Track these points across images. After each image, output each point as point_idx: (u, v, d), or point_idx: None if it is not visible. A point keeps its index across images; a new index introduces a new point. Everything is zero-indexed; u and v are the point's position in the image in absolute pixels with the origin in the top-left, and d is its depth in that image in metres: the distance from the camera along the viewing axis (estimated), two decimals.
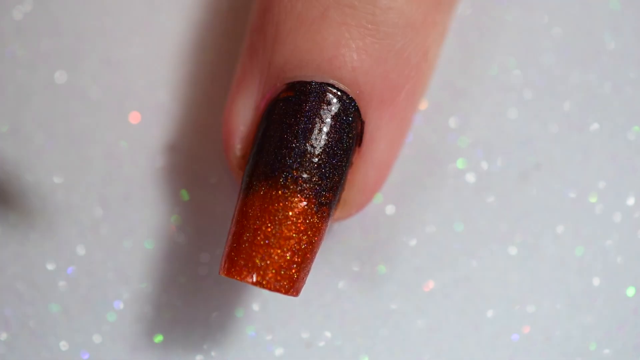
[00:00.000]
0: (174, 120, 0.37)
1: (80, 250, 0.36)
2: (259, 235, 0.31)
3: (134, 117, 0.37)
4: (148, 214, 0.36)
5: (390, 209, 0.37)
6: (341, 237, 0.37)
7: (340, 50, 0.31)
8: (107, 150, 0.37)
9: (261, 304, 0.36)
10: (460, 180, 0.37)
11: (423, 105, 0.37)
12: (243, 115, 0.33)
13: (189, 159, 0.37)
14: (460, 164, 0.37)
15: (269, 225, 0.31)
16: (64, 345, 0.36)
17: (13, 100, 0.37)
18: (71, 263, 0.36)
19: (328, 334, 0.36)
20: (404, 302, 0.36)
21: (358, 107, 0.32)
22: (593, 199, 0.37)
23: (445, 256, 0.36)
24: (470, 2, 0.38)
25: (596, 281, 0.36)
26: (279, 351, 0.36)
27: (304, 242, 0.31)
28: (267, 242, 0.31)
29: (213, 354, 0.36)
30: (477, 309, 0.36)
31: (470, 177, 0.37)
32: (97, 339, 0.36)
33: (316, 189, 0.31)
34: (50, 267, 0.36)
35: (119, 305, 0.36)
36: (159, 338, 0.36)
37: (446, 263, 0.36)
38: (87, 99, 0.37)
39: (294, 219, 0.31)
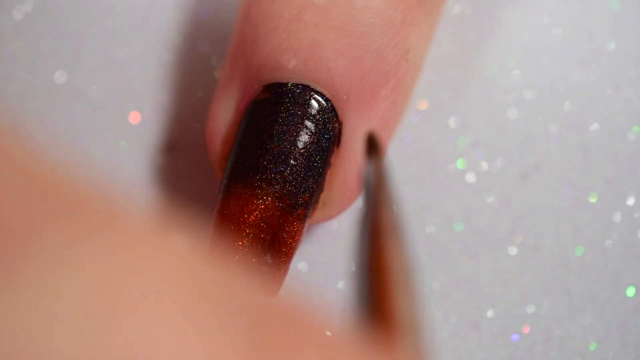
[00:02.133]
0: (174, 120, 0.37)
1: None
2: (233, 237, 0.31)
3: (134, 117, 0.37)
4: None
5: None
6: (341, 237, 0.36)
7: (315, 52, 0.31)
8: (107, 150, 0.37)
9: None
10: (460, 180, 0.37)
11: (423, 105, 0.37)
12: (224, 118, 0.33)
13: (189, 159, 0.37)
14: (460, 164, 0.37)
15: (244, 226, 0.31)
16: None
17: (13, 100, 0.37)
18: None
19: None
20: None
21: (334, 108, 0.32)
22: (593, 199, 0.37)
23: (445, 256, 0.36)
24: (470, 2, 0.38)
25: (597, 281, 0.36)
26: None
27: (279, 243, 0.31)
28: (241, 243, 0.31)
29: None
30: (477, 309, 0.36)
31: (470, 177, 0.37)
32: None
33: (292, 190, 0.31)
34: None
35: None
36: None
37: (446, 263, 0.36)
38: (87, 99, 0.37)
39: (268, 220, 0.31)
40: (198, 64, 0.37)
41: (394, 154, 0.37)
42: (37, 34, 0.37)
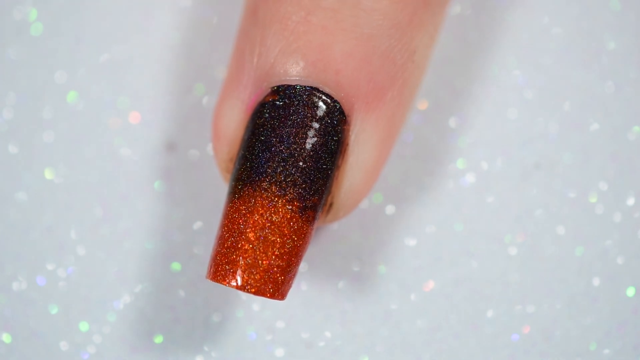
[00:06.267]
0: (174, 120, 0.37)
1: (81, 251, 0.36)
2: (243, 239, 0.31)
3: (134, 117, 0.37)
4: (148, 214, 0.36)
5: (390, 209, 0.37)
6: (341, 237, 0.37)
7: (323, 53, 0.31)
8: (107, 150, 0.37)
9: (261, 304, 0.36)
10: (460, 180, 0.37)
11: (423, 105, 0.37)
12: (231, 119, 0.33)
13: (189, 159, 0.37)
14: (460, 164, 0.37)
15: (253, 229, 0.31)
16: (64, 345, 0.36)
17: (13, 100, 0.37)
18: (71, 263, 0.36)
19: (328, 334, 0.36)
20: (404, 302, 0.36)
21: (343, 110, 0.32)
22: (593, 199, 0.37)
23: (445, 256, 0.36)
24: (470, 2, 0.38)
25: (596, 281, 0.36)
26: (279, 351, 0.36)
27: (289, 246, 0.31)
28: (251, 246, 0.31)
29: (213, 354, 0.36)
30: (477, 309, 0.36)
31: (470, 177, 0.37)
32: (97, 339, 0.36)
33: (301, 192, 0.31)
34: (50, 267, 0.36)
35: (119, 305, 0.36)
36: (159, 338, 0.36)
37: (446, 263, 0.36)
38: (87, 99, 0.37)
39: (278, 223, 0.31)
40: (198, 64, 0.37)
41: (394, 154, 0.37)
42: (37, 34, 0.37)
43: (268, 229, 0.31)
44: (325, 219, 0.33)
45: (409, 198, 0.37)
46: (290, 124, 0.31)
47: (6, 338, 0.36)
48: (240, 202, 0.31)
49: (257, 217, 0.31)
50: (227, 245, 0.31)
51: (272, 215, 0.31)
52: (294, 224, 0.31)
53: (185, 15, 0.38)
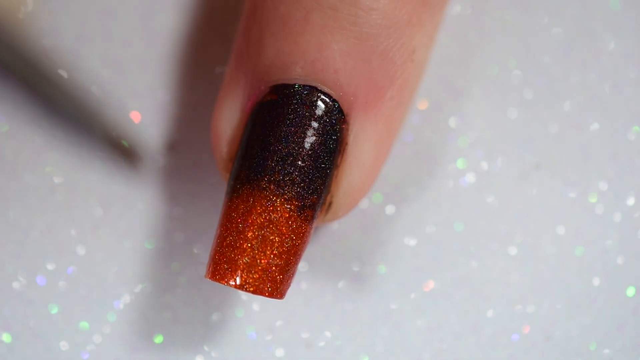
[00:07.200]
0: (174, 120, 0.37)
1: (80, 250, 0.36)
2: (241, 238, 0.31)
3: (134, 117, 0.37)
4: (148, 214, 0.36)
5: (390, 209, 0.37)
6: (341, 237, 0.37)
7: (322, 53, 0.31)
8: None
9: (261, 304, 0.36)
10: (460, 180, 0.37)
11: (423, 105, 0.37)
12: (230, 119, 0.33)
13: (189, 159, 0.37)
14: (460, 164, 0.37)
15: (252, 228, 0.31)
16: (63, 345, 0.36)
17: (13, 100, 0.37)
18: (71, 263, 0.36)
19: (328, 334, 0.36)
20: (404, 302, 0.36)
21: (342, 109, 0.32)
22: (593, 199, 0.37)
23: (445, 256, 0.36)
24: (470, 2, 0.38)
25: (596, 281, 0.36)
26: (279, 351, 0.36)
27: (287, 245, 0.31)
28: (250, 245, 0.31)
29: (213, 354, 0.36)
30: (477, 309, 0.36)
31: (470, 177, 0.37)
32: (97, 339, 0.36)
33: (299, 192, 0.31)
34: (50, 267, 0.36)
35: (119, 305, 0.36)
36: (159, 338, 0.36)
37: (446, 263, 0.36)
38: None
39: (277, 222, 0.31)
40: (198, 63, 0.37)
41: (394, 154, 0.37)
42: (37, 33, 0.37)
43: (267, 228, 0.31)
44: (324, 218, 0.33)
45: (409, 198, 0.37)
46: (289, 124, 0.31)
47: (6, 338, 0.36)
48: (239, 201, 0.31)
49: (256, 216, 0.31)
50: (226, 244, 0.31)
51: (271, 214, 0.31)
52: (292, 223, 0.31)
53: (185, 15, 0.38)
